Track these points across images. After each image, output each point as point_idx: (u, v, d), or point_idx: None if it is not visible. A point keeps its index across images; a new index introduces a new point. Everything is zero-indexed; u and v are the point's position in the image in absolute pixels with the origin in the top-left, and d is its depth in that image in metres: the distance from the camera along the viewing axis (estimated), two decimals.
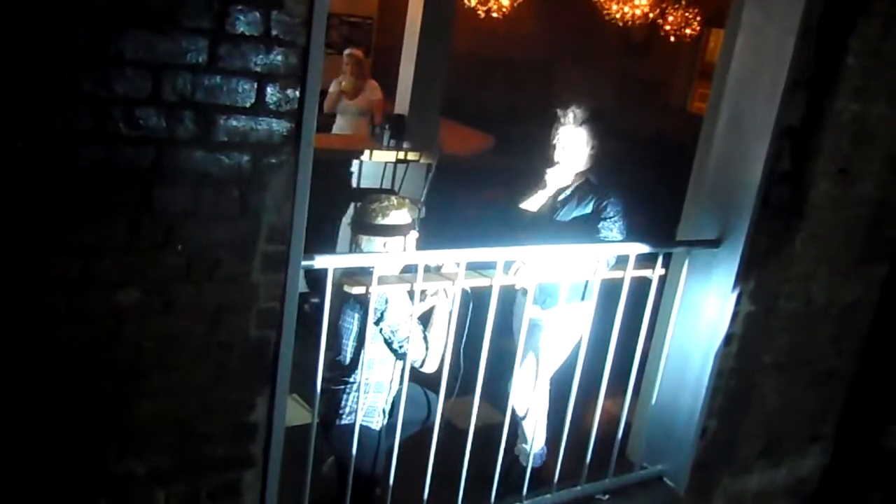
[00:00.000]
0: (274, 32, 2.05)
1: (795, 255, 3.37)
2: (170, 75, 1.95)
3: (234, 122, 2.07)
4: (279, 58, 2.07)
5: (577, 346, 3.14)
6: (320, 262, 2.40)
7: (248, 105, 2.07)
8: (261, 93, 2.08)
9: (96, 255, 1.98)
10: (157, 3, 1.89)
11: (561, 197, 3.28)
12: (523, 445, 3.45)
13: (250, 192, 2.14)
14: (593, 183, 3.27)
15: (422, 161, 5.28)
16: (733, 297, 3.24)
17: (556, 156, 3.29)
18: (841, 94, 3.20)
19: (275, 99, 2.10)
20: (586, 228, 3.20)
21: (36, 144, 1.84)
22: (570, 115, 3.21)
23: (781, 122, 3.09)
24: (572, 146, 3.24)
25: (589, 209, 3.22)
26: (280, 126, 2.13)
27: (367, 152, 5.14)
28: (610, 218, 3.19)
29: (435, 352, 2.80)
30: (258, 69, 2.06)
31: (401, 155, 5.26)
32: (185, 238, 2.09)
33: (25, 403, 2.01)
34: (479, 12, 6.32)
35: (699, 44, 8.93)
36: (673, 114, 8.64)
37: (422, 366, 2.81)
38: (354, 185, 5.29)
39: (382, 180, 5.35)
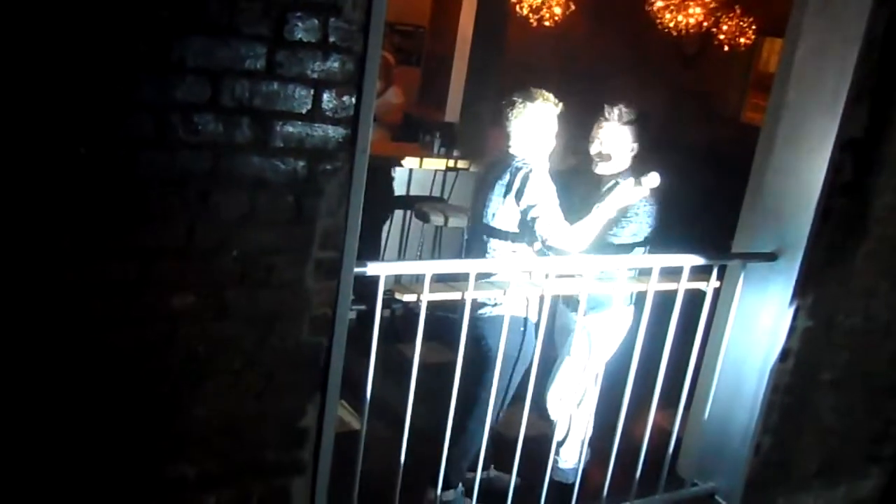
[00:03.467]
0: (331, 39, 2.06)
1: (856, 269, 3.28)
2: (228, 82, 1.98)
3: (291, 129, 2.08)
4: (336, 64, 2.08)
5: (630, 355, 3.08)
6: (373, 269, 2.40)
7: (304, 111, 2.09)
8: (317, 99, 2.09)
9: (153, 259, 2.00)
10: (216, 10, 1.91)
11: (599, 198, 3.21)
12: (556, 458, 3.37)
13: (305, 198, 2.16)
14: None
15: (472, 170, 5.26)
16: (790, 311, 3.16)
17: (596, 152, 3.21)
18: None
19: (331, 105, 2.11)
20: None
21: (98, 150, 1.87)
22: (616, 113, 3.16)
23: (843, 134, 3.01)
24: (615, 144, 3.18)
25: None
26: (336, 132, 2.14)
27: (416, 160, 5.14)
28: (629, 217, 3.13)
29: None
30: (315, 76, 2.07)
31: (450, 163, 5.25)
32: (240, 243, 2.11)
33: (81, 406, 2.04)
34: (532, 21, 6.29)
35: (753, 53, 8.76)
36: (726, 124, 8.48)
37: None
38: (401, 192, 5.29)
39: (432, 188, 5.34)
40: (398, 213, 5.16)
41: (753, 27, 7.69)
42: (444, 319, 4.12)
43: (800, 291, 3.14)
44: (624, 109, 3.18)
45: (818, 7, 3.03)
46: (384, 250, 5.07)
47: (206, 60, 1.93)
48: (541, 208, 2.89)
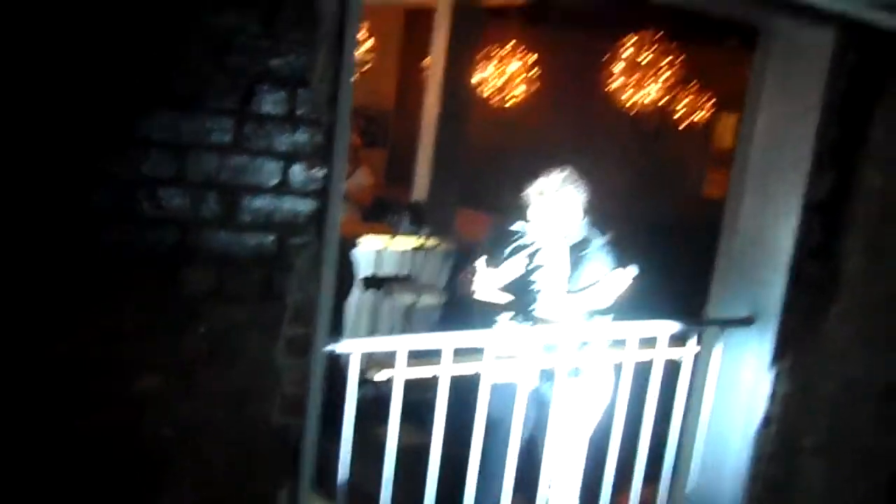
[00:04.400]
0: (299, 111, 2.04)
1: (831, 332, 3.27)
2: (195, 156, 1.94)
3: (259, 203, 2.04)
4: (305, 137, 2.06)
5: (611, 426, 3.00)
6: (345, 346, 2.34)
7: (272, 185, 2.05)
8: (286, 172, 2.06)
9: (117, 338, 1.92)
10: (183, 84, 1.89)
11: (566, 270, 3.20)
12: None
13: (275, 273, 2.10)
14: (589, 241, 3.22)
15: (441, 248, 5.25)
16: (770, 376, 3.13)
17: (542, 228, 3.20)
18: (867, 168, 3.16)
19: (300, 178, 2.08)
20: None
21: (60, 225, 1.81)
22: (552, 180, 3.16)
23: (809, 197, 3.05)
24: (559, 212, 3.17)
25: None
26: (305, 206, 2.10)
27: (385, 239, 5.12)
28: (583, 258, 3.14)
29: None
30: (284, 148, 2.04)
31: (420, 242, 5.23)
32: (208, 321, 2.03)
33: (42, 495, 1.91)
34: (495, 102, 6.40)
35: (710, 129, 9.01)
36: (688, 199, 8.64)
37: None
38: (370, 272, 5.24)
39: (402, 267, 5.30)
40: (367, 294, 5.10)
41: (710, 103, 7.92)
42: (417, 401, 4.02)
43: (778, 356, 3.12)
44: (557, 173, 3.19)
45: (777, 76, 3.11)
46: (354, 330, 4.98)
47: (173, 135, 1.90)
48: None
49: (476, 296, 3.12)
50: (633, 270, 3.13)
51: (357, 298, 5.01)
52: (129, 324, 1.94)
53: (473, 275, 3.12)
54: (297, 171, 2.07)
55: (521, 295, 3.10)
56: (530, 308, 3.01)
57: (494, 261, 3.14)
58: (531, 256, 3.10)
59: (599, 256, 3.19)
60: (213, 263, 2.01)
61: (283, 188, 2.06)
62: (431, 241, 5.27)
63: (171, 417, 2.04)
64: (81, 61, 1.78)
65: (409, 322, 5.02)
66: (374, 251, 5.20)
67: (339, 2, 2.01)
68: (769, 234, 3.12)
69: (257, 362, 2.12)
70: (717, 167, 9.32)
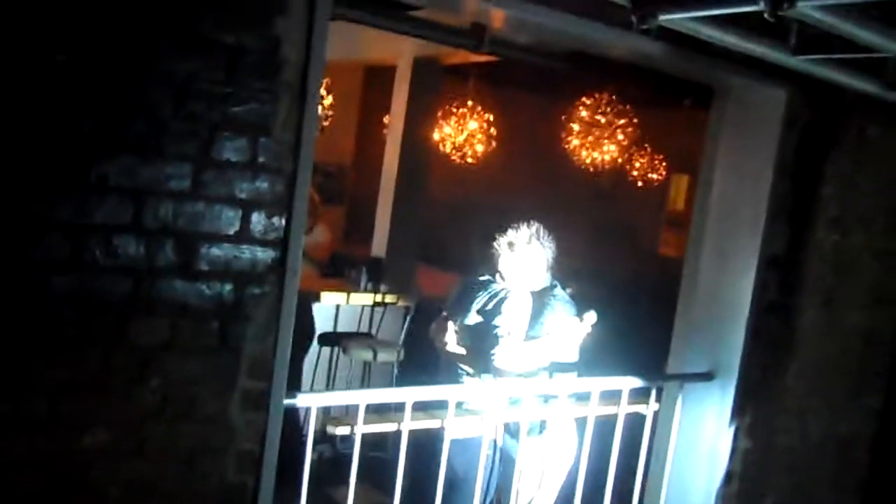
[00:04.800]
0: (261, 159, 2.01)
1: (788, 387, 3.29)
2: (152, 202, 1.89)
3: (217, 251, 1.99)
4: (265, 185, 2.03)
5: (574, 483, 2.96)
6: (303, 400, 2.27)
7: (231, 233, 2.01)
8: (245, 220, 2.02)
9: (65, 392, 1.84)
10: (142, 128, 1.85)
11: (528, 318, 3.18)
12: None
13: (231, 324, 2.04)
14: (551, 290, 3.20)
15: (400, 304, 5.20)
16: (730, 432, 3.12)
17: (514, 275, 3.18)
18: (821, 224, 3.22)
19: (260, 227, 2.04)
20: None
21: (6, 272, 1.74)
22: (522, 234, 3.15)
23: (766, 254, 3.09)
24: (527, 265, 3.16)
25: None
26: (265, 254, 2.06)
27: (343, 295, 5.05)
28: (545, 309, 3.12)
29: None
30: (243, 196, 2.01)
31: (378, 298, 5.18)
32: (160, 373, 1.96)
33: None
34: (455, 158, 6.44)
35: (665, 190, 9.17)
36: (645, 257, 8.73)
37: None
38: (328, 328, 5.16)
39: (360, 323, 5.23)
40: (325, 351, 5.02)
41: (664, 163, 8.08)
42: (376, 460, 3.94)
43: (738, 411, 3.12)
44: (522, 230, 3.19)
45: (732, 134, 3.17)
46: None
47: (130, 180, 1.85)
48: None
49: (446, 348, 3.07)
50: (592, 317, 3.11)
51: (314, 355, 4.91)
52: (78, 377, 1.86)
53: (443, 327, 3.09)
54: (257, 220, 2.03)
55: (482, 344, 3.05)
56: (490, 356, 2.96)
57: (462, 314, 3.10)
58: (495, 305, 3.08)
59: (561, 306, 3.18)
60: (168, 314, 1.95)
61: (243, 237, 2.02)
62: (390, 298, 5.21)
63: (119, 476, 1.95)
64: (34, 102, 1.74)
65: (366, 379, 4.93)
66: (332, 307, 5.13)
67: (303, 50, 2.01)
68: (727, 291, 3.15)
69: (212, 417, 2.04)
70: (672, 228, 9.49)
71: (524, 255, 3.13)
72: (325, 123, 5.98)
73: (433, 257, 7.07)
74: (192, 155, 1.92)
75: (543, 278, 3.21)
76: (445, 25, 3.08)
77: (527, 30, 2.98)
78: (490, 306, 3.08)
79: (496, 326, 3.03)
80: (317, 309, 5.15)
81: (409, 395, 2.48)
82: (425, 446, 2.90)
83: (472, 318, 3.08)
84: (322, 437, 4.51)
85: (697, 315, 3.24)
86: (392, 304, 5.23)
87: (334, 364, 5.03)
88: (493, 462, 3.06)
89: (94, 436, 1.89)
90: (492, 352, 2.96)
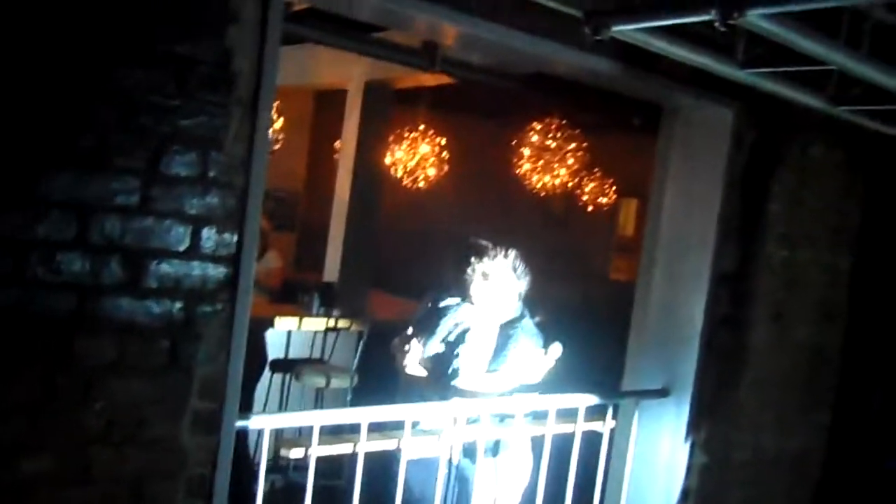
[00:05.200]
0: (211, 174, 1.97)
1: (742, 402, 3.32)
2: (98, 218, 1.83)
3: (166, 268, 1.94)
4: (216, 200, 1.98)
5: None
6: (256, 422, 2.21)
7: (181, 249, 1.95)
8: (196, 236, 1.97)
9: (4, 415, 1.75)
10: (88, 141, 1.79)
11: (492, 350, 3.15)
12: None
13: (181, 343, 1.98)
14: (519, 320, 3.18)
15: (352, 329, 5.13)
16: (686, 447, 3.13)
17: (480, 307, 3.13)
18: (769, 240, 3.28)
19: (211, 243, 1.99)
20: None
21: None
22: (498, 263, 3.11)
23: (716, 270, 3.13)
24: (500, 295, 3.13)
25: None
26: (216, 271, 2.00)
27: (295, 320, 4.97)
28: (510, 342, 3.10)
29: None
30: (194, 211, 1.96)
31: (331, 323, 5.11)
32: (106, 395, 1.88)
33: None
34: (407, 183, 6.44)
35: (614, 214, 9.29)
36: (597, 281, 8.81)
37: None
38: (279, 354, 5.07)
39: (312, 349, 5.15)
40: (276, 378, 4.92)
41: (614, 188, 8.18)
42: (331, 489, 3.87)
43: (693, 426, 3.13)
44: (506, 258, 3.16)
45: (682, 152, 3.22)
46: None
47: (74, 195, 1.79)
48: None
49: (406, 370, 3.02)
50: (557, 349, 3.10)
51: (266, 381, 4.82)
52: (19, 398, 1.78)
53: (404, 347, 3.04)
54: (208, 236, 1.98)
55: (443, 371, 3.02)
56: (451, 383, 2.93)
57: (425, 336, 3.05)
58: (460, 334, 3.04)
59: (526, 337, 3.15)
60: (114, 332, 1.88)
61: (193, 253, 1.97)
62: (343, 323, 5.15)
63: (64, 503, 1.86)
64: None
65: (319, 405, 4.84)
66: (283, 333, 5.04)
67: (255, 63, 1.98)
68: (680, 307, 3.18)
69: (161, 440, 1.97)
70: (622, 254, 9.61)
71: (499, 285, 3.09)
72: (276, 147, 5.94)
73: (386, 282, 7.03)
74: (140, 169, 1.87)
75: (514, 308, 3.18)
76: (397, 44, 3.08)
77: (479, 49, 2.99)
78: (454, 335, 3.04)
79: (457, 356, 3.00)
80: (268, 335, 5.07)
81: (364, 415, 2.43)
82: (382, 468, 2.85)
83: (435, 346, 3.03)
84: (274, 465, 4.42)
85: (651, 332, 3.26)
86: (345, 329, 5.16)
87: (286, 391, 4.93)
88: (450, 482, 3.02)
89: (36, 461, 1.81)
90: (452, 379, 2.94)
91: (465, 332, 3.06)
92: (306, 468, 4.79)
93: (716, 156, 3.14)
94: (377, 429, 2.59)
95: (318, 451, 2.36)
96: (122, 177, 1.85)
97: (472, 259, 3.07)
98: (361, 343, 5.16)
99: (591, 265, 9.28)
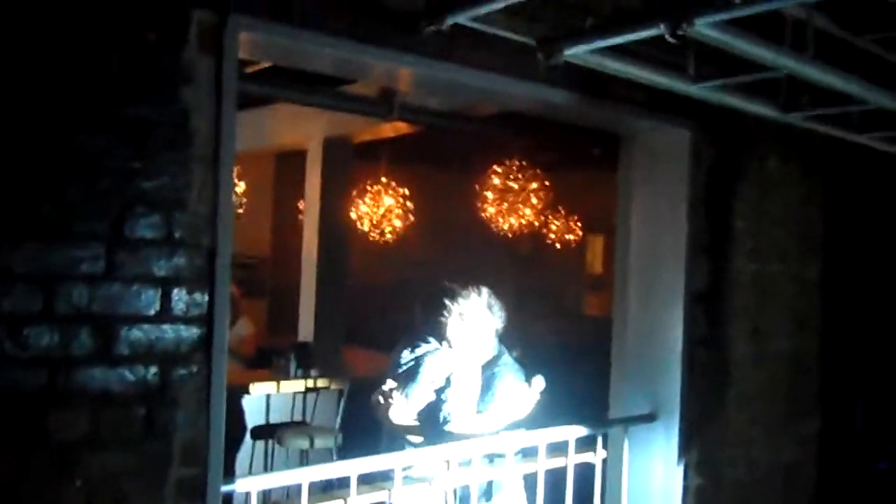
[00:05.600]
0: (177, 234, 1.94)
1: (730, 418, 3.31)
2: (64, 287, 1.79)
3: (138, 333, 1.90)
4: (183, 261, 1.95)
5: None
6: (242, 485, 2.15)
7: (152, 313, 1.92)
8: (166, 299, 1.93)
9: None
10: (49, 210, 1.76)
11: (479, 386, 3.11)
12: None
13: (158, 409, 1.93)
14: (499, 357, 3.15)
15: (332, 387, 5.07)
16: (679, 470, 3.10)
17: (458, 349, 3.10)
18: (739, 256, 3.31)
19: (181, 304, 1.95)
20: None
21: None
22: (472, 303, 3.09)
23: (690, 289, 3.15)
24: (478, 335, 3.10)
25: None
26: (189, 332, 1.96)
27: (273, 384, 4.90)
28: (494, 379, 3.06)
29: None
30: (162, 273, 1.92)
31: (310, 383, 5.04)
32: (84, 470, 1.82)
33: None
34: (373, 236, 6.43)
35: (582, 252, 9.34)
36: (570, 317, 8.82)
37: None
38: (259, 421, 4.97)
39: (293, 412, 5.07)
40: (259, 445, 4.82)
41: (579, 224, 8.24)
42: None
43: (684, 448, 3.11)
44: (480, 297, 3.15)
45: (644, 177, 3.26)
46: None
47: (38, 266, 1.76)
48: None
49: (391, 420, 2.97)
50: (540, 382, 3.08)
51: (249, 449, 4.72)
52: None
53: (385, 399, 2.99)
54: (178, 297, 1.95)
55: (433, 418, 2.97)
56: (444, 429, 2.89)
57: (406, 385, 3.01)
58: (444, 379, 3.00)
59: (509, 373, 3.13)
60: (88, 404, 1.83)
61: (164, 316, 1.93)
62: (322, 382, 5.08)
63: None
64: None
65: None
66: (262, 398, 4.96)
67: (213, 120, 1.97)
68: (658, 329, 3.18)
69: None
70: (594, 290, 9.65)
71: (476, 324, 3.07)
72: (240, 211, 5.91)
73: (359, 337, 6.97)
74: (103, 235, 1.84)
75: (492, 346, 3.16)
76: (354, 94, 3.10)
77: (436, 92, 3.02)
78: (437, 382, 3.00)
79: (445, 401, 2.96)
80: (246, 402, 4.98)
81: (353, 468, 2.37)
82: None
83: (420, 393, 2.98)
84: None
85: (632, 359, 3.26)
86: (325, 388, 5.10)
87: (270, 457, 4.83)
88: None
89: None
90: (443, 426, 2.90)
91: (448, 376, 3.03)
92: None
93: (677, 178, 3.17)
94: (367, 481, 2.53)
95: None
96: (87, 244, 1.82)
97: (447, 301, 3.05)
98: (342, 401, 5.09)
99: (563, 302, 9.30)
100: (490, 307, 3.11)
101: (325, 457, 4.73)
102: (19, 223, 1.73)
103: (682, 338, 3.12)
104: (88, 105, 1.80)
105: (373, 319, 7.36)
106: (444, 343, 3.07)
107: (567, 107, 2.75)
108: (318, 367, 5.35)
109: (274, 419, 5.00)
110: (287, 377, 5.16)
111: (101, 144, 1.82)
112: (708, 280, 3.21)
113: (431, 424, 2.97)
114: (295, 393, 5.08)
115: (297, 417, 5.10)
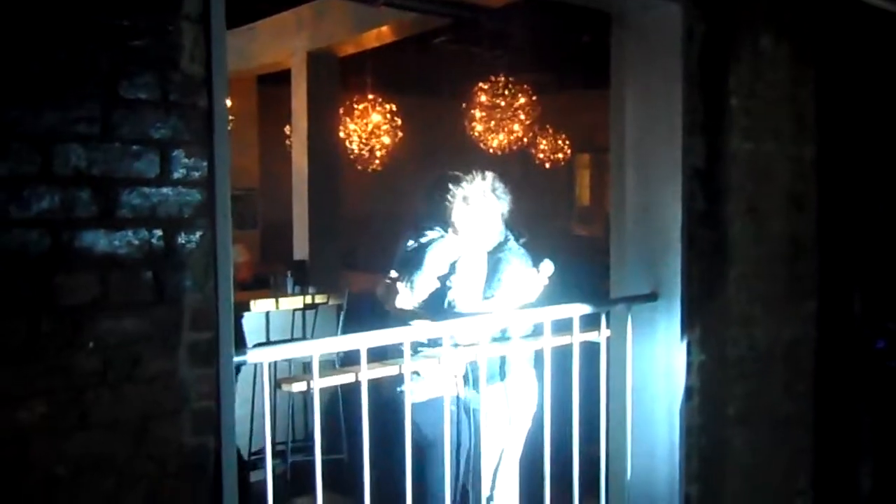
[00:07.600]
0: (172, 96, 1.90)
1: (730, 297, 3.32)
2: (61, 148, 1.76)
3: (139, 196, 1.87)
4: (181, 122, 1.92)
5: (541, 425, 2.90)
6: (254, 355, 2.15)
7: (152, 176, 1.89)
8: (165, 161, 1.90)
9: None
10: (39, 69, 1.72)
11: (485, 272, 3.11)
12: None
13: (166, 273, 1.91)
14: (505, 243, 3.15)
15: (330, 303, 5.07)
16: (683, 347, 3.13)
17: (464, 235, 3.08)
18: (735, 134, 3.29)
19: (181, 167, 1.92)
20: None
21: None
22: (477, 186, 3.07)
23: (687, 166, 3.13)
24: (483, 220, 3.08)
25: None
26: (191, 197, 1.94)
27: (273, 301, 4.89)
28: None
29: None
30: (160, 136, 1.89)
31: (308, 299, 5.03)
32: (96, 334, 1.81)
33: None
34: (363, 163, 6.39)
35: (571, 173, 9.33)
36: (561, 237, 8.86)
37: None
38: (259, 339, 4.98)
39: (293, 329, 5.07)
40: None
41: (568, 143, 8.21)
42: (333, 463, 3.79)
43: (687, 326, 3.13)
44: (484, 180, 3.12)
45: (637, 56, 3.22)
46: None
47: (33, 125, 1.72)
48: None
49: (397, 309, 2.95)
50: (549, 266, 3.08)
51: (249, 370, 4.73)
52: (4, 345, 1.70)
53: (392, 289, 2.97)
54: (178, 160, 1.92)
55: (438, 305, 2.97)
56: (448, 315, 2.89)
57: (412, 273, 2.99)
58: (449, 265, 2.99)
59: (516, 258, 3.12)
60: (95, 268, 1.81)
61: (165, 179, 1.90)
62: (320, 298, 5.08)
63: (63, 452, 1.78)
64: None
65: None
66: (262, 316, 4.95)
67: None
68: (657, 206, 3.17)
69: (160, 376, 1.90)
70: (582, 215, 9.66)
71: (480, 209, 3.05)
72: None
73: (354, 262, 6.98)
74: (97, 94, 1.79)
75: (498, 232, 3.15)
76: None
77: None
78: (443, 268, 2.98)
79: (450, 288, 2.95)
80: (246, 322, 4.98)
81: (362, 341, 2.38)
82: (389, 419, 2.78)
83: (425, 281, 2.95)
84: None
85: (632, 238, 3.25)
86: (323, 304, 5.10)
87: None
88: (460, 419, 2.97)
89: (29, 410, 1.73)
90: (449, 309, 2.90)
91: (454, 262, 3.02)
92: (303, 449, 4.75)
93: (670, 54, 3.13)
94: (379, 357, 2.54)
95: (320, 383, 2.30)
96: (81, 103, 1.78)
97: (451, 186, 3.03)
98: (341, 316, 5.10)
99: (553, 223, 9.33)
100: (494, 190, 3.10)
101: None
102: (11, 82, 1.69)
103: (681, 214, 3.11)
104: None
105: (365, 247, 7.38)
106: (450, 229, 3.06)
107: None
108: (315, 283, 5.35)
109: (274, 338, 5.00)
110: (285, 294, 5.16)
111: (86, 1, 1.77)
112: (704, 157, 3.19)
113: (437, 312, 2.97)
114: (294, 310, 5.08)
115: (297, 335, 5.11)
